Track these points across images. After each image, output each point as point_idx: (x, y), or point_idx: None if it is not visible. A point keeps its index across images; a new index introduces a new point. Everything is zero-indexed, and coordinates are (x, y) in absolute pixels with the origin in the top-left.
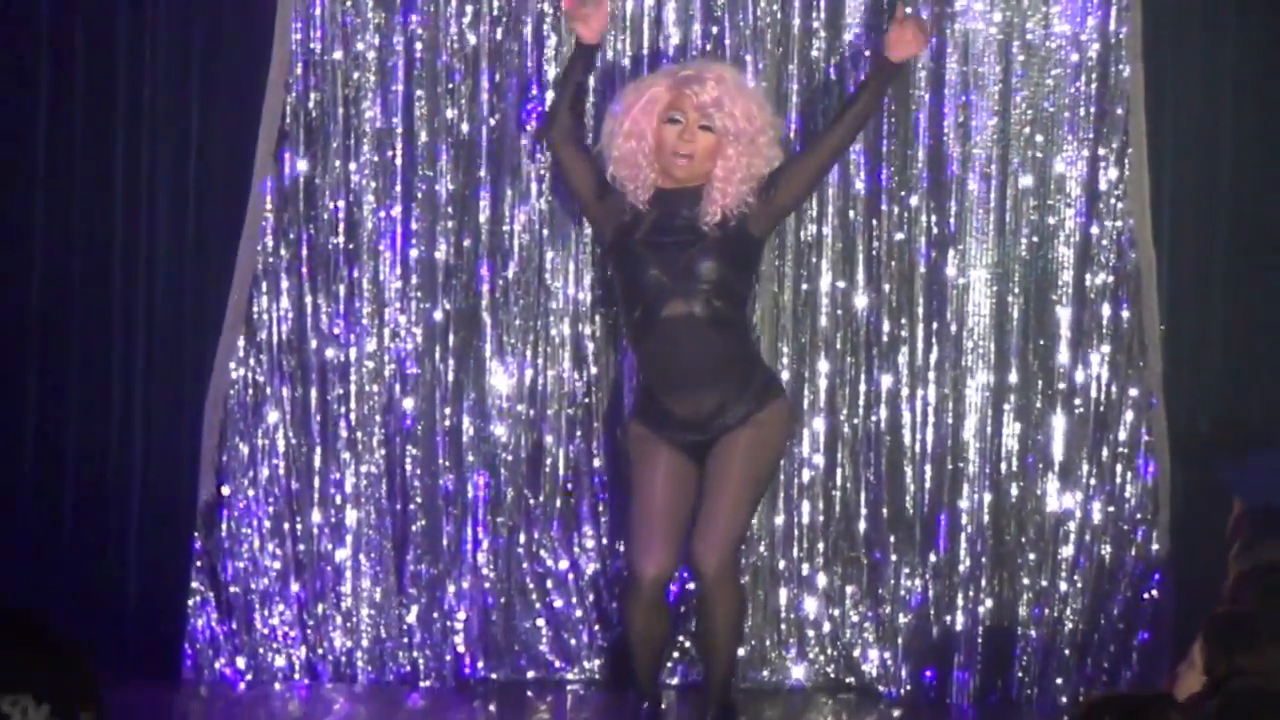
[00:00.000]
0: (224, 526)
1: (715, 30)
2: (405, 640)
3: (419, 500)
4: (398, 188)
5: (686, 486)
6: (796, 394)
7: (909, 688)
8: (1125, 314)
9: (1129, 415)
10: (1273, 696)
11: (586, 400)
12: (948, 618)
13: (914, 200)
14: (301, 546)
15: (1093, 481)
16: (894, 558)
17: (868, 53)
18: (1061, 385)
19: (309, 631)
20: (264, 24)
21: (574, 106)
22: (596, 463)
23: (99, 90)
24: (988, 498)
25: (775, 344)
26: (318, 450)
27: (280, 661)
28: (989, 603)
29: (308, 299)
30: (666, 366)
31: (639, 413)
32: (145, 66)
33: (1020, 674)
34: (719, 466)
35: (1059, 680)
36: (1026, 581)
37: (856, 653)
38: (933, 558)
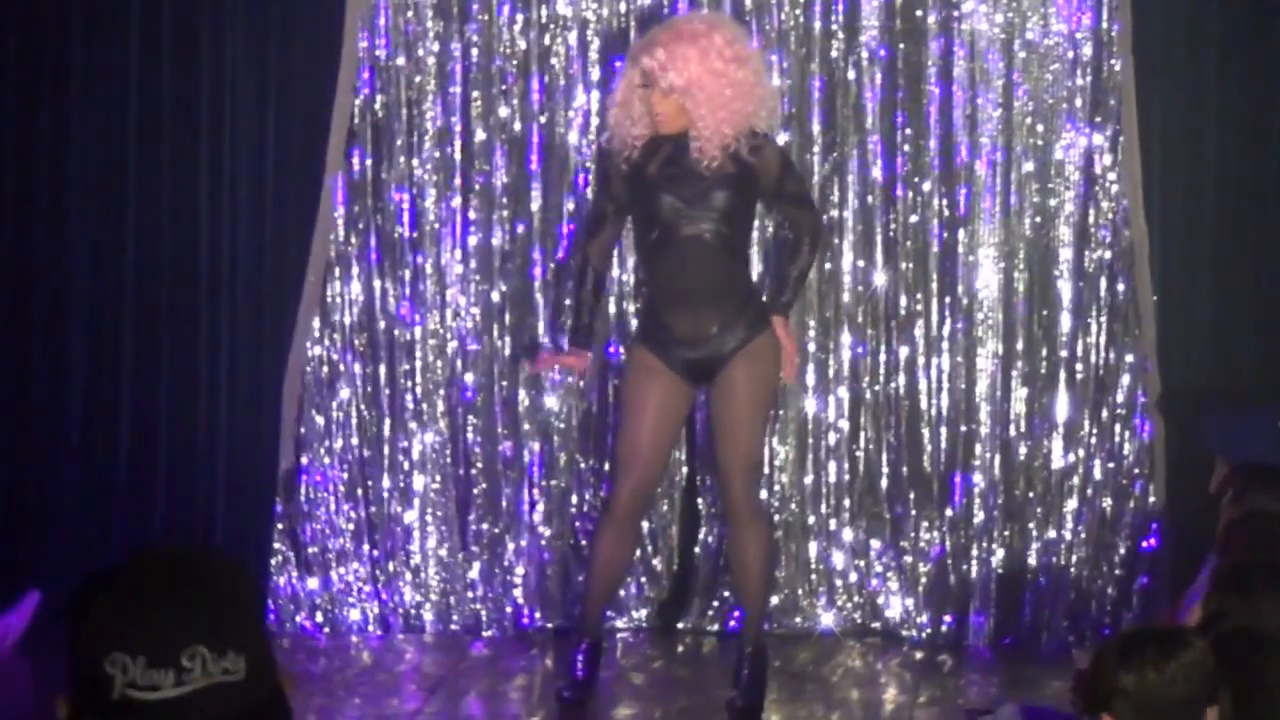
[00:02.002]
0: (302, 492)
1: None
2: (469, 594)
3: (479, 466)
4: (457, 181)
5: (676, 417)
6: (822, 364)
7: (929, 632)
8: (1121, 287)
9: (1126, 379)
10: (1259, 636)
11: None
12: (964, 567)
13: (927, 185)
14: (373, 509)
15: (1094, 440)
16: (914, 513)
17: (882, 51)
18: (1064, 353)
19: (381, 587)
20: (333, 33)
21: (600, 283)
22: None
23: (184, 94)
24: (998, 457)
25: (802, 318)
26: (387, 421)
27: (355, 615)
28: (1001, 553)
29: (376, 283)
30: (675, 284)
31: (641, 334)
32: (225, 73)
33: (1030, 617)
34: (726, 401)
35: (1065, 623)
36: (1035, 533)
37: (881, 600)
38: (949, 512)
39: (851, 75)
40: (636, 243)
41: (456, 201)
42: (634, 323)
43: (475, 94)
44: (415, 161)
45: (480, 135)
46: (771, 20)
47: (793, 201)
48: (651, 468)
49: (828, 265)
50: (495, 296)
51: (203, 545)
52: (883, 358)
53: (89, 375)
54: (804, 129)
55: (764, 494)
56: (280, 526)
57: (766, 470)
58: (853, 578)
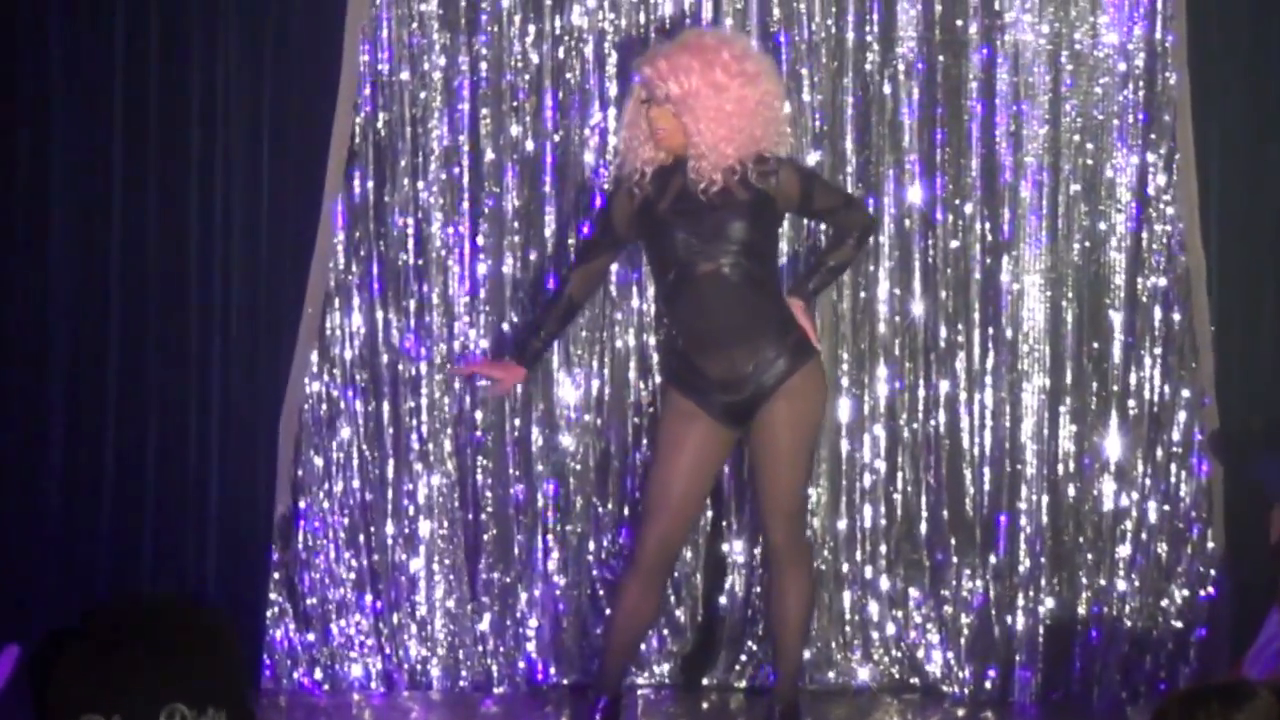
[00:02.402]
0: (300, 538)
1: (771, 44)
2: (478, 648)
3: (490, 510)
4: (465, 204)
5: (713, 464)
6: (857, 400)
7: (972, 687)
8: (1176, 316)
9: (1182, 415)
10: None
11: (651, 409)
12: (1009, 617)
13: (968, 208)
14: (376, 557)
15: (1148, 481)
16: (955, 559)
17: (920, 64)
18: (1115, 387)
19: (384, 640)
20: (332, 47)
21: (568, 312)
22: None
23: (171, 109)
24: (1046, 499)
25: (835, 351)
26: (390, 462)
27: (357, 671)
28: (1049, 602)
29: (379, 314)
30: (700, 327)
31: (673, 377)
32: (216, 88)
33: (1080, 672)
34: (768, 444)
35: (1118, 677)
36: (1085, 580)
37: (920, 653)
38: (993, 559)
39: (887, 90)
40: (655, 285)
41: (464, 226)
42: (654, 357)
43: (484, 111)
44: (420, 184)
45: (490, 155)
46: (801, 31)
47: (828, 212)
48: (682, 516)
49: (862, 294)
50: (506, 328)
51: (176, 594)
52: (921, 393)
53: (68, 412)
54: (836, 147)
55: None
56: (276, 576)
57: None
58: (890, 629)
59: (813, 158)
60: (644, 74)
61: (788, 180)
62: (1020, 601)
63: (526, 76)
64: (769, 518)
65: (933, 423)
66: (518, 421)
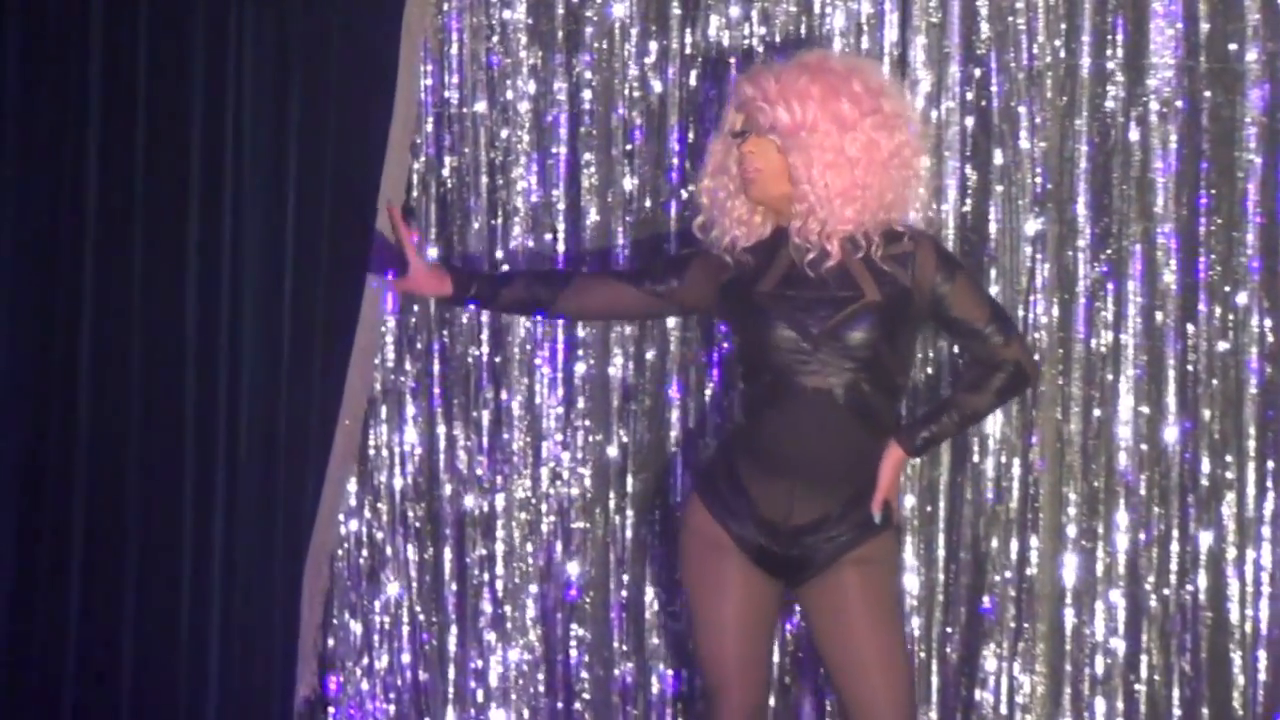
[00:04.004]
0: None
1: (979, 72)
2: None
3: (587, 697)
4: None
5: (764, 615)
6: (1087, 555)
7: None
8: None
9: None
10: None
11: None
12: None
13: (1241, 297)
14: None
15: None
16: None
17: (1179, 102)
18: None
19: None
20: (383, 67)
21: (548, 297)
22: None
23: (165, 148)
24: None
25: (1058, 488)
26: (453, 631)
27: None
28: None
29: (440, 429)
30: (776, 450)
31: (705, 487)
32: (226, 118)
33: None
34: (837, 625)
35: None
36: None
37: None
38: None
39: (1134, 135)
40: (742, 384)
41: None
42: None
43: (587, 156)
44: (500, 252)
45: (594, 215)
46: (1019, 55)
47: (967, 330)
48: (751, 687)
49: (1095, 412)
50: (613, 451)
51: None
52: (1174, 548)
53: (18, 567)
54: (1063, 213)
55: None
56: None
57: (1004, 710)
58: None
59: (1031, 226)
60: (743, 94)
61: (924, 263)
62: None
63: (645, 111)
64: None
65: (1189, 588)
66: (625, 578)
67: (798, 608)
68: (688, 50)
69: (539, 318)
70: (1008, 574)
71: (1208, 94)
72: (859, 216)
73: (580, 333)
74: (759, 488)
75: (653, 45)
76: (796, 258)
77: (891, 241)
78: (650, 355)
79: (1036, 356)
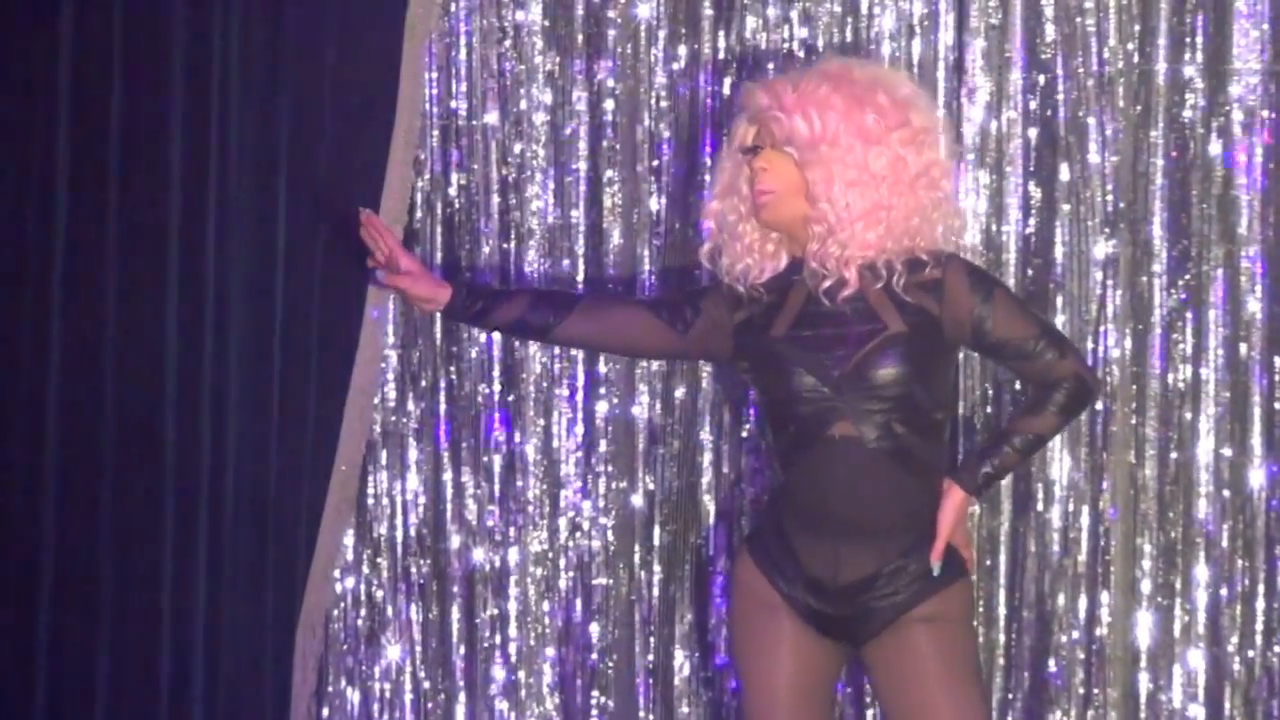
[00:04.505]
0: None
1: (1044, 79)
2: None
3: None
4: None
5: (822, 679)
6: (1165, 616)
7: None
8: None
9: None
10: None
11: None
12: None
13: None
14: None
15: None
16: None
17: (1270, 113)
18: None
19: None
20: (383, 74)
21: (553, 319)
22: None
23: (138, 165)
24: None
25: (1132, 539)
26: (461, 699)
27: None
28: None
29: (446, 475)
30: (815, 505)
31: (755, 545)
32: (208, 129)
33: None
34: (917, 697)
35: None
36: None
37: None
38: None
39: (1215, 148)
40: (770, 434)
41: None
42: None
43: (609, 174)
44: (513, 281)
45: (616, 239)
46: (1088, 59)
47: (1015, 351)
48: None
49: (1173, 455)
50: (638, 500)
51: None
52: (1260, 605)
53: None
54: (1138, 233)
55: None
56: None
57: None
58: None
59: (1101, 248)
60: (757, 103)
61: (955, 288)
62: None
63: (674, 123)
64: None
65: (1276, 650)
66: (652, 640)
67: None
68: (721, 55)
69: (539, 341)
70: (1075, 634)
71: None
72: (881, 241)
73: (602, 369)
74: (804, 545)
75: (682, 49)
76: (811, 284)
77: (915, 270)
78: (680, 393)
79: (1104, 380)
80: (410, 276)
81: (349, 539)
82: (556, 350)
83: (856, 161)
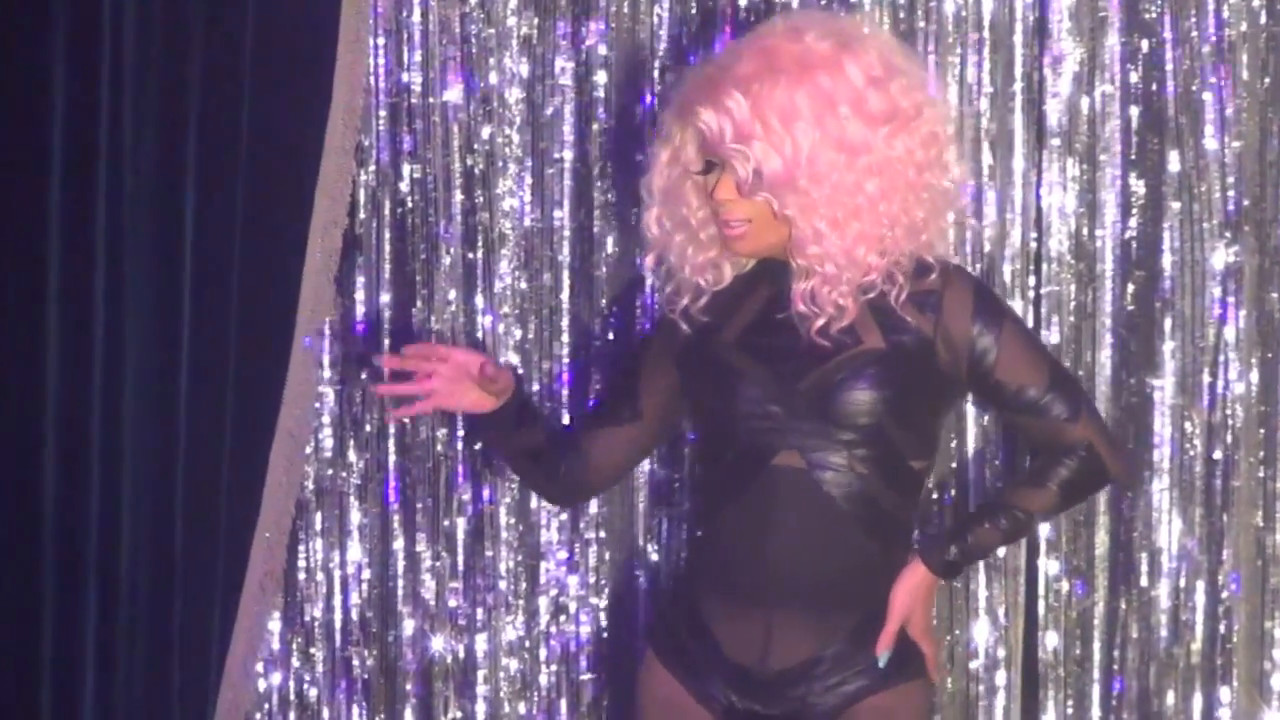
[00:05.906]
0: None
1: (1147, 45)
2: None
3: None
4: (565, 337)
5: None
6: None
7: None
8: None
9: None
10: None
11: None
12: None
13: None
14: None
15: None
16: None
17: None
18: None
19: None
20: (316, 40)
21: (555, 461)
22: None
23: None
24: None
25: (1259, 622)
26: None
27: None
28: None
29: (397, 544)
30: (746, 555)
31: (660, 640)
32: (101, 114)
33: None
34: None
35: None
36: None
37: None
38: None
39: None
40: (700, 468)
41: (563, 374)
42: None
43: (600, 165)
44: (480, 299)
45: (610, 245)
46: (1203, 21)
47: (1019, 401)
48: None
49: None
50: (640, 574)
51: None
52: None
53: None
54: (1265, 239)
55: None
56: None
57: None
58: None
59: (1220, 257)
60: (702, 125)
61: (955, 305)
62: None
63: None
64: None
65: None
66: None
67: None
68: (742, 10)
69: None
70: None
71: None
72: (885, 260)
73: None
74: (723, 620)
75: (693, 6)
76: (802, 327)
77: (919, 275)
78: (688, 448)
79: (1226, 423)
80: (488, 367)
81: (275, 624)
82: (536, 385)
83: (842, 182)
